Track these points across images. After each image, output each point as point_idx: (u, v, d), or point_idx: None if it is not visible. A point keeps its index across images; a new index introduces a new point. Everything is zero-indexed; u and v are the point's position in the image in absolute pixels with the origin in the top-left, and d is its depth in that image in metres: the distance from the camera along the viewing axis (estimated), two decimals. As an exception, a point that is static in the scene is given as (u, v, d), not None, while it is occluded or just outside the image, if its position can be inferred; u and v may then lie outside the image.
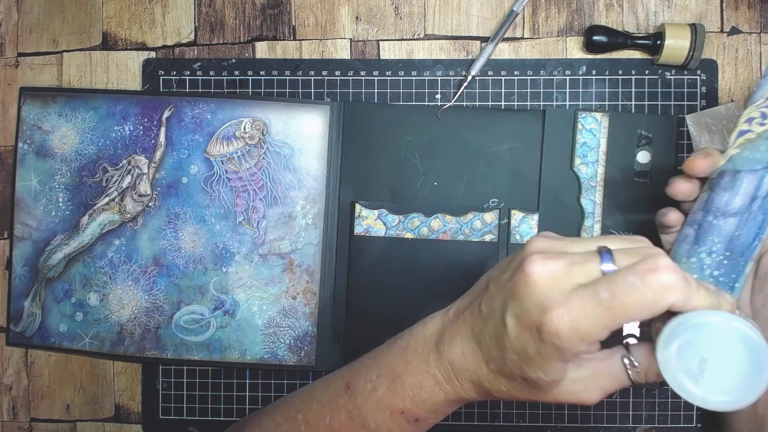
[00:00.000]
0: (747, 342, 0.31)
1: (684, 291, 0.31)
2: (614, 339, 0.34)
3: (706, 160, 0.41)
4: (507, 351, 0.34)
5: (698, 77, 0.56)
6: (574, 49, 0.57)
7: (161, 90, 0.58)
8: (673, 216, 0.44)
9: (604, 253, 0.33)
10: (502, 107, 0.57)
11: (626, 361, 0.36)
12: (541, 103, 0.57)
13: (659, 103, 0.56)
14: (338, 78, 0.58)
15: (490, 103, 0.57)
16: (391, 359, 0.40)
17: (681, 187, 0.43)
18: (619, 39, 0.55)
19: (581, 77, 0.57)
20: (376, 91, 0.58)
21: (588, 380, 0.35)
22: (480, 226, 0.56)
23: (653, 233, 0.55)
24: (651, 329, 0.36)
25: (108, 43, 0.59)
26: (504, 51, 0.58)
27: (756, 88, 0.43)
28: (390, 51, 0.58)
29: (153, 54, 0.59)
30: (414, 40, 0.58)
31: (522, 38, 0.58)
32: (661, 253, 0.32)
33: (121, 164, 0.58)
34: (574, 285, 0.32)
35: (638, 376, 0.36)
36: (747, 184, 0.41)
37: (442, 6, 0.58)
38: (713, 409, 0.32)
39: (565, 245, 0.36)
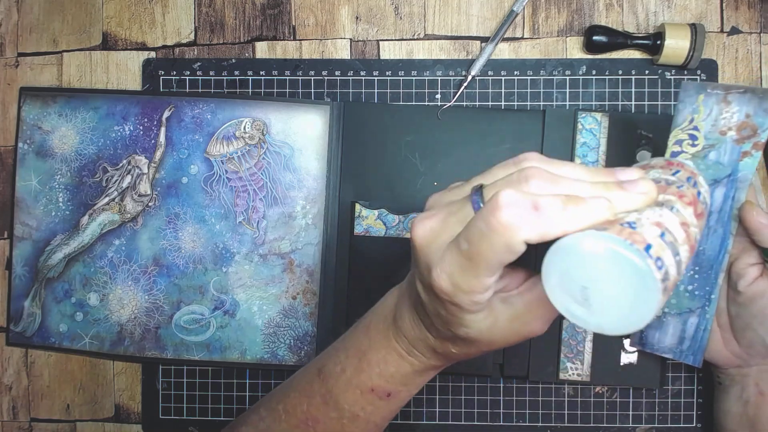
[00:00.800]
0: (619, 261, 0.27)
1: (534, 225, 0.27)
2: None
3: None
4: (432, 316, 0.34)
5: (698, 77, 0.56)
6: (574, 49, 0.57)
7: (161, 90, 0.58)
8: None
9: (473, 195, 0.31)
10: (502, 107, 0.57)
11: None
12: (541, 103, 0.57)
13: (659, 103, 0.56)
14: (338, 78, 0.58)
15: (490, 103, 0.57)
16: (357, 339, 0.40)
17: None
18: (619, 39, 0.55)
19: (581, 77, 0.57)
20: (376, 91, 0.58)
21: (524, 314, 0.33)
22: (480, 226, 0.56)
23: (653, 233, 0.55)
24: None
25: (108, 43, 0.59)
26: (504, 51, 0.58)
27: (676, 111, 0.44)
28: (390, 51, 0.58)
29: (153, 54, 0.59)
30: (414, 40, 0.58)
31: (522, 38, 0.58)
32: (508, 184, 0.29)
33: (121, 164, 0.58)
34: (452, 237, 0.31)
35: None
36: None
37: (442, 6, 0.58)
38: (612, 334, 0.29)
39: (449, 194, 0.34)
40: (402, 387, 0.40)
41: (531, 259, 0.32)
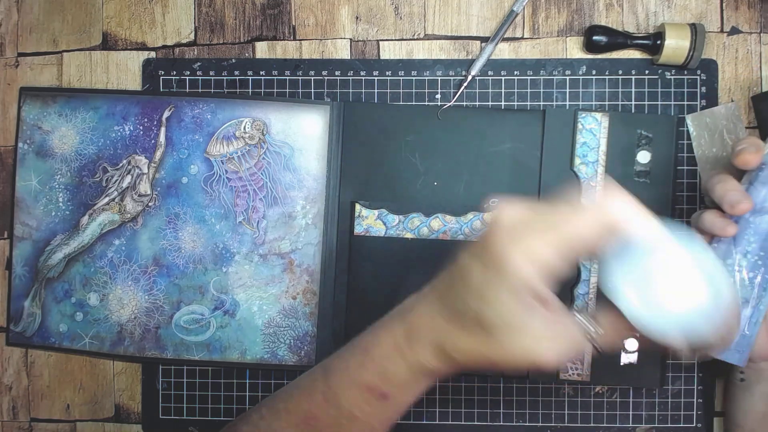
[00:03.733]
0: (697, 262, 0.29)
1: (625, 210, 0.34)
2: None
3: (757, 155, 0.40)
4: (468, 297, 0.35)
5: (698, 77, 0.56)
6: (574, 49, 0.57)
7: (161, 90, 0.58)
8: (708, 217, 0.43)
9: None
10: (502, 107, 0.57)
11: (580, 317, 0.37)
12: (541, 103, 0.57)
13: (659, 103, 0.56)
14: (338, 78, 0.58)
15: (490, 103, 0.57)
16: (364, 337, 0.41)
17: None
18: (619, 39, 0.55)
19: (581, 77, 0.57)
20: (376, 91, 0.58)
21: (544, 338, 0.34)
22: (480, 226, 0.56)
23: (653, 233, 0.55)
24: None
25: (108, 43, 0.59)
26: (504, 51, 0.58)
27: None
28: (390, 51, 0.58)
29: (153, 54, 0.59)
30: (414, 40, 0.58)
31: (522, 38, 0.58)
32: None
33: (121, 164, 0.58)
34: (535, 226, 0.34)
35: (596, 337, 0.36)
36: None
37: (442, 6, 0.58)
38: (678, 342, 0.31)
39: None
40: (397, 390, 0.39)
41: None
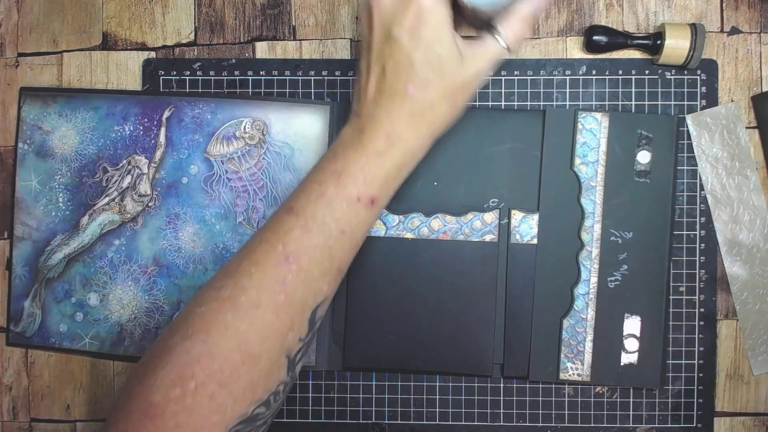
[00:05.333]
0: None
1: None
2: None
3: None
4: (411, 57, 0.41)
5: (698, 77, 0.56)
6: (574, 49, 0.57)
7: (161, 90, 0.58)
8: None
9: None
10: (502, 107, 0.57)
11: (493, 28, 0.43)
12: (541, 103, 0.57)
13: (659, 103, 0.56)
14: (338, 78, 0.58)
15: (490, 103, 0.57)
16: (325, 167, 0.43)
17: None
18: (619, 39, 0.55)
19: (581, 77, 0.57)
20: (376, 91, 0.57)
21: (476, 56, 0.43)
22: (480, 226, 0.56)
23: (653, 233, 0.55)
24: None
25: (108, 43, 0.59)
26: (504, 51, 0.57)
27: None
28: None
29: (153, 54, 0.59)
30: (414, 40, 0.58)
31: (522, 38, 0.57)
32: None
33: (121, 164, 0.58)
34: None
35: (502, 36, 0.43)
36: None
37: (442, 6, 0.58)
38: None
39: None
40: (383, 191, 0.43)
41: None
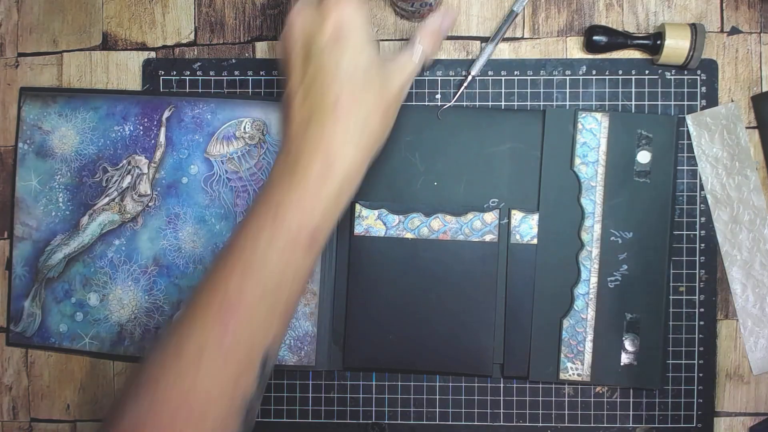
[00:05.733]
0: None
1: None
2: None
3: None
4: (336, 72, 0.40)
5: (698, 77, 0.56)
6: (574, 49, 0.57)
7: (161, 90, 0.58)
8: None
9: None
10: (502, 107, 0.57)
11: (413, 43, 0.46)
12: (541, 103, 0.57)
13: (659, 103, 0.56)
14: (338, 78, 0.58)
15: (490, 103, 0.57)
16: (261, 201, 0.40)
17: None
18: (619, 39, 0.55)
19: (581, 77, 0.57)
20: (376, 91, 0.57)
21: (395, 71, 0.44)
22: (480, 226, 0.56)
23: (653, 233, 0.55)
24: None
25: (108, 43, 0.59)
26: (504, 51, 0.58)
27: None
28: (390, 51, 0.58)
29: (153, 54, 0.59)
30: (414, 40, 0.58)
31: (522, 38, 0.58)
32: None
33: (121, 164, 0.58)
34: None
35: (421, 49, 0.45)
36: None
37: (442, 6, 0.58)
38: None
39: None
40: (324, 223, 0.40)
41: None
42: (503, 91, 0.57)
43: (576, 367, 0.55)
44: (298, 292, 0.41)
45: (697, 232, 0.56)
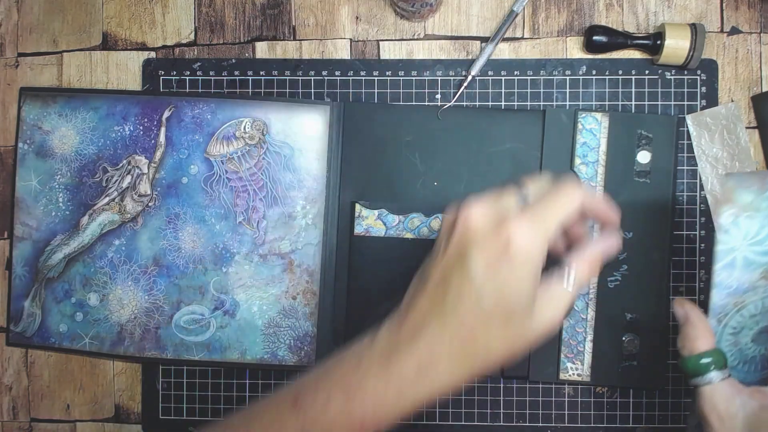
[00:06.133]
0: None
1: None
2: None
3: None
4: (480, 294, 0.35)
5: (698, 77, 0.56)
6: (574, 49, 0.57)
7: (161, 90, 0.58)
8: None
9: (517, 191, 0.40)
10: (502, 107, 0.57)
11: (566, 270, 0.39)
12: (541, 103, 0.57)
13: (659, 103, 0.56)
14: (338, 78, 0.58)
15: (490, 103, 0.57)
16: (346, 372, 0.38)
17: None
18: (619, 39, 0.55)
19: (581, 77, 0.57)
20: (376, 91, 0.58)
21: (546, 305, 0.37)
22: (480, 226, 0.55)
23: (653, 233, 0.55)
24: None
25: (108, 43, 0.59)
26: (504, 51, 0.58)
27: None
28: (390, 51, 0.58)
29: (153, 54, 0.59)
30: (414, 40, 0.58)
31: (522, 38, 0.58)
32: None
33: (121, 164, 0.58)
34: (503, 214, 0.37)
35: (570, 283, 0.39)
36: None
37: (442, 6, 0.58)
38: None
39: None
40: (386, 420, 0.37)
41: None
42: (503, 91, 0.57)
43: (576, 367, 0.55)
44: None
45: (697, 232, 0.56)
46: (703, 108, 0.56)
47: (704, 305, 0.56)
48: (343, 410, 0.37)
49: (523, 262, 0.35)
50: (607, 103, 0.57)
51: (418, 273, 0.40)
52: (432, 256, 0.39)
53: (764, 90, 0.56)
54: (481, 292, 0.35)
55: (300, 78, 0.58)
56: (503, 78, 0.57)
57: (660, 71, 0.56)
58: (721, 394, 0.42)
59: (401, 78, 0.57)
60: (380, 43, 0.58)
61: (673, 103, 0.56)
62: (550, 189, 0.39)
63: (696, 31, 0.53)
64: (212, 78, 0.58)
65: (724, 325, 0.46)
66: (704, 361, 0.43)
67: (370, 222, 0.56)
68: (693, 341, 0.44)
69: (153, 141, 0.57)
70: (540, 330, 0.37)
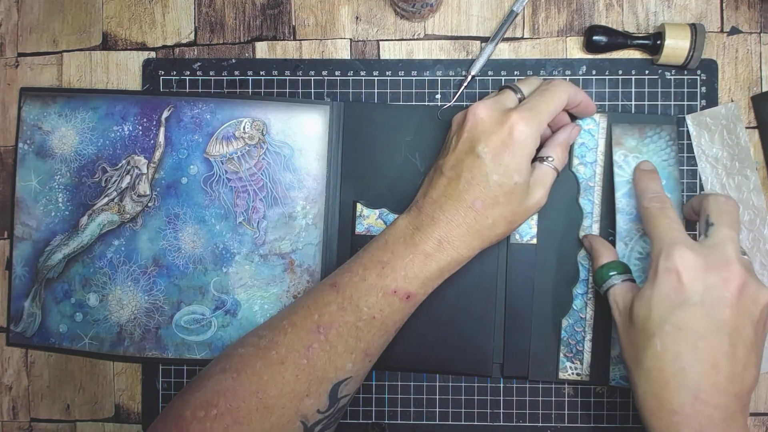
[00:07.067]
0: None
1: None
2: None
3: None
4: (488, 177, 0.44)
5: (698, 77, 0.56)
6: (574, 49, 0.57)
7: (161, 90, 0.58)
8: None
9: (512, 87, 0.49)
10: (502, 107, 0.57)
11: (544, 156, 0.49)
12: (541, 103, 0.57)
13: (659, 103, 0.56)
14: (338, 78, 0.58)
15: (490, 103, 0.57)
16: (374, 254, 0.46)
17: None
18: (619, 39, 0.55)
19: (581, 77, 0.57)
20: (376, 91, 0.58)
21: (536, 183, 0.47)
22: (480, 226, 0.55)
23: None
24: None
25: (108, 43, 0.59)
26: (504, 51, 0.58)
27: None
28: (390, 51, 0.58)
29: (153, 54, 0.59)
30: (414, 40, 0.58)
31: (522, 38, 0.58)
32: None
33: (120, 164, 0.58)
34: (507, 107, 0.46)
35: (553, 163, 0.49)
36: None
37: (442, 6, 0.58)
38: None
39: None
40: (421, 290, 0.45)
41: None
42: (503, 91, 0.57)
43: (575, 367, 0.55)
44: (381, 342, 0.46)
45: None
46: (703, 108, 0.56)
47: (704, 305, 0.56)
48: (376, 283, 0.44)
49: (522, 146, 0.44)
50: (607, 103, 0.57)
51: (429, 172, 0.48)
52: (442, 155, 0.47)
53: (764, 90, 0.56)
54: (489, 175, 0.44)
55: (300, 78, 0.58)
56: (503, 78, 0.57)
57: (660, 71, 0.56)
58: (620, 293, 0.48)
59: (401, 78, 0.57)
60: (380, 43, 0.58)
61: (673, 103, 0.56)
62: (542, 86, 0.47)
63: (696, 31, 0.53)
64: (212, 78, 0.58)
65: (630, 249, 0.53)
66: (605, 269, 0.49)
67: (371, 221, 0.56)
68: (597, 259, 0.51)
69: (152, 141, 0.57)
70: (533, 205, 0.47)
